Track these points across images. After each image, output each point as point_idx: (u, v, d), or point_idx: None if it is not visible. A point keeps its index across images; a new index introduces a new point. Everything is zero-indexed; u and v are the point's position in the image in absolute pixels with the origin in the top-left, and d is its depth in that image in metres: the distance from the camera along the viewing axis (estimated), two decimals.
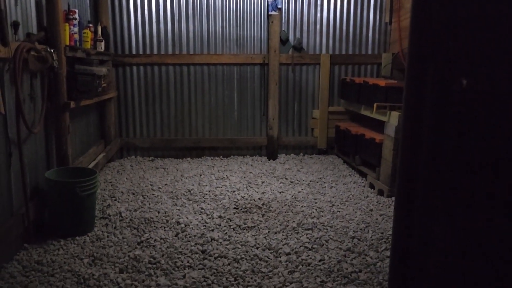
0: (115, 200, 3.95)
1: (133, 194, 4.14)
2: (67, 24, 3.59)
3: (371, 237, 3.22)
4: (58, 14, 3.28)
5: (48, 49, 3.09)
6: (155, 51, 5.55)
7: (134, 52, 5.52)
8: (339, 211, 3.76)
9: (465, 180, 1.42)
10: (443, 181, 1.56)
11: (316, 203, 3.98)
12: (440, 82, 1.58)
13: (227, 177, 4.79)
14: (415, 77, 1.70)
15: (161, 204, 3.88)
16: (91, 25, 4.37)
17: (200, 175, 4.87)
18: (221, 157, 5.82)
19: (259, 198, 4.05)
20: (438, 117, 1.60)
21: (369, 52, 5.88)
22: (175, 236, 3.19)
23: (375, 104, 4.43)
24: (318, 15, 5.74)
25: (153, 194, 4.16)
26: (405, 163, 1.80)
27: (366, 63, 5.90)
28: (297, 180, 4.73)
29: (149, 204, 3.87)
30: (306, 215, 3.66)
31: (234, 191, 4.28)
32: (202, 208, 3.78)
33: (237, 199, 4.04)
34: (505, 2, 1.25)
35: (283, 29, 5.68)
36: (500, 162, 1.25)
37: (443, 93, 1.57)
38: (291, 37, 5.75)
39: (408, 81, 1.73)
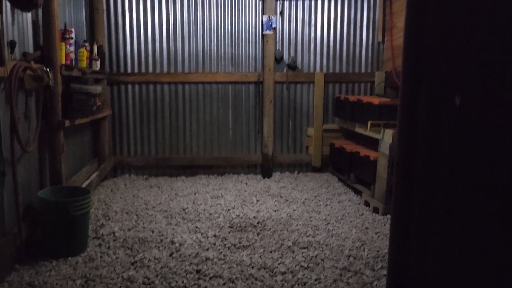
0: (109, 219, 3.91)
1: (127, 213, 4.11)
2: (63, 43, 3.62)
3: (367, 255, 3.20)
4: (54, 33, 3.30)
5: (44, 68, 3.09)
6: (151, 70, 5.58)
7: (129, 70, 5.54)
8: (334, 229, 3.74)
9: (461, 197, 1.43)
10: (439, 198, 1.57)
11: (311, 221, 3.96)
12: (433, 101, 1.60)
13: (222, 196, 4.77)
14: (409, 97, 1.73)
15: (155, 223, 3.84)
16: (87, 44, 4.40)
17: (195, 194, 4.85)
18: (215, 175, 5.80)
19: (254, 217, 4.03)
20: (432, 135, 1.62)
21: (363, 70, 5.95)
22: (170, 255, 3.15)
23: (369, 122, 4.46)
24: (312, 34, 5.82)
25: (147, 213, 4.12)
26: (400, 181, 1.81)
27: (360, 81, 5.96)
28: (292, 198, 4.72)
29: (143, 223, 3.83)
30: (301, 233, 3.63)
31: (229, 210, 4.25)
32: (196, 227, 3.75)
33: (232, 217, 4.01)
34: (497, 24, 1.28)
35: (277, 48, 5.75)
36: (494, 178, 1.26)
37: (436, 112, 1.59)
38: (285, 56, 5.81)
39: (402, 101, 1.76)
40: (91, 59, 4.56)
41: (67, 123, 3.49)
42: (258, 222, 3.88)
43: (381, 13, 5.83)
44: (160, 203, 4.44)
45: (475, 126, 1.39)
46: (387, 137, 4.21)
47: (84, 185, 4.23)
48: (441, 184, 1.54)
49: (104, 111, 4.97)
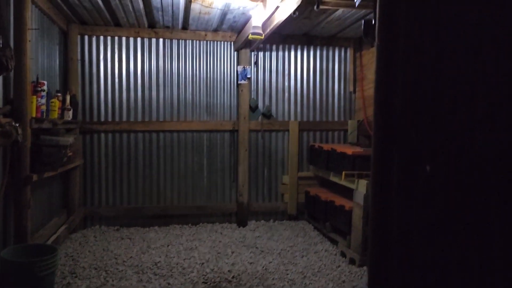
0: (76, 277, 3.71)
1: (96, 269, 3.92)
2: (35, 96, 3.56)
3: None
4: (25, 88, 3.25)
5: (13, 123, 3.02)
6: (125, 118, 5.53)
7: (103, 119, 5.47)
8: (311, 283, 3.67)
9: (439, 248, 1.43)
10: (416, 251, 1.56)
11: (287, 274, 3.88)
12: (406, 163, 1.63)
13: (196, 247, 4.64)
14: (381, 160, 1.75)
15: (126, 280, 3.68)
16: (59, 94, 4.35)
17: (168, 246, 4.70)
18: (190, 224, 5.67)
19: (228, 271, 3.92)
20: (407, 192, 1.63)
21: (336, 119, 6.09)
22: None
23: (343, 173, 4.51)
24: (286, 84, 5.96)
25: (117, 268, 3.95)
26: (375, 236, 1.80)
27: (333, 130, 6.08)
28: (268, 249, 4.64)
29: (113, 280, 3.66)
30: None
31: (203, 263, 4.13)
32: (169, 284, 3.60)
33: (206, 272, 3.89)
34: (464, 93, 1.33)
35: (252, 97, 5.84)
36: (468, 239, 1.26)
37: (409, 173, 1.61)
38: (260, 105, 5.89)
39: (374, 163, 1.78)
40: (63, 109, 4.50)
41: (35, 177, 3.37)
42: (233, 277, 3.77)
43: (351, 65, 6.06)
44: (131, 257, 4.28)
45: (446, 191, 1.41)
46: (361, 187, 4.25)
47: (51, 239, 4.05)
48: (419, 239, 1.54)
49: (76, 161, 4.86)
